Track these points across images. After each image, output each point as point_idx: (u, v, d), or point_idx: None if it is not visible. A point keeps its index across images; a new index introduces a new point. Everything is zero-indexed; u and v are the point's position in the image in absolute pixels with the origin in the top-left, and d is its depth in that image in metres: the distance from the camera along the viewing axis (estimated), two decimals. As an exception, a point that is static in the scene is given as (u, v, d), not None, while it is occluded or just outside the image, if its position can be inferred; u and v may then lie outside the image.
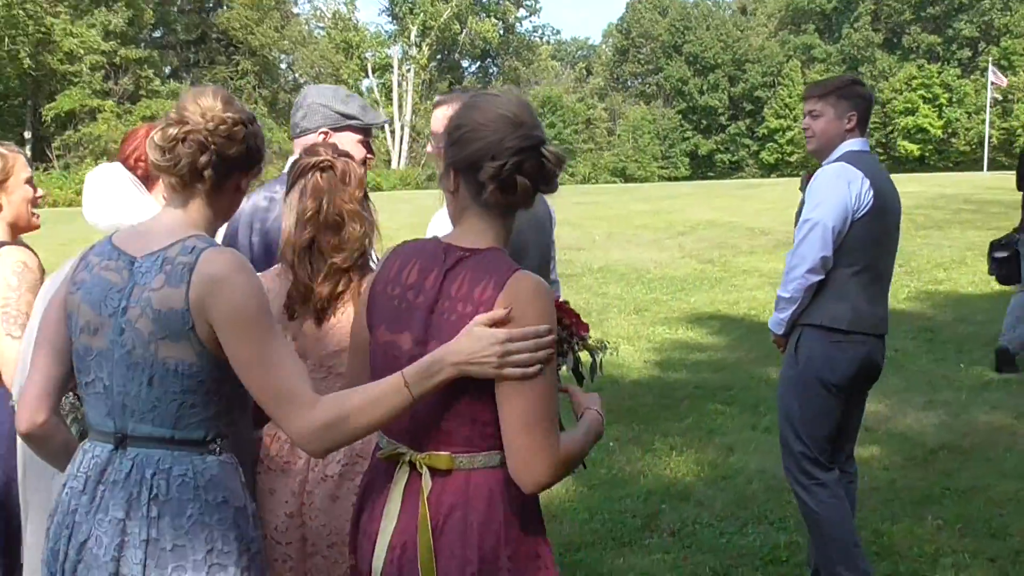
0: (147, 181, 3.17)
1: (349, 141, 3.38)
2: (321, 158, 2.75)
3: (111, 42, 49.61)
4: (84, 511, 2.15)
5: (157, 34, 59.46)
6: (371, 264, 2.76)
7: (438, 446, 2.12)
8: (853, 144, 4.05)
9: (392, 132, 62.62)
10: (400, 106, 63.12)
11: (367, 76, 65.80)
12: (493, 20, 66.55)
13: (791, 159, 59.42)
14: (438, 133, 3.35)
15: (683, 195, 28.10)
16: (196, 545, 2.12)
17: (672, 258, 15.87)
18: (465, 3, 64.58)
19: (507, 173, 2.07)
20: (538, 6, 72.37)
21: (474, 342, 2.01)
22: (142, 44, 53.59)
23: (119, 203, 2.98)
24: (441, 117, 3.41)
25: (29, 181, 3.43)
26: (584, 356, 2.50)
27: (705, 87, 64.79)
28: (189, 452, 2.16)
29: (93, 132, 45.72)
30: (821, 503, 4.06)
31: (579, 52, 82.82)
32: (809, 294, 3.99)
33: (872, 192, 3.92)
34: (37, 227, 3.49)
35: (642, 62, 69.62)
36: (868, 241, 3.96)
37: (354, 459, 2.69)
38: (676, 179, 57.63)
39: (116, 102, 49.58)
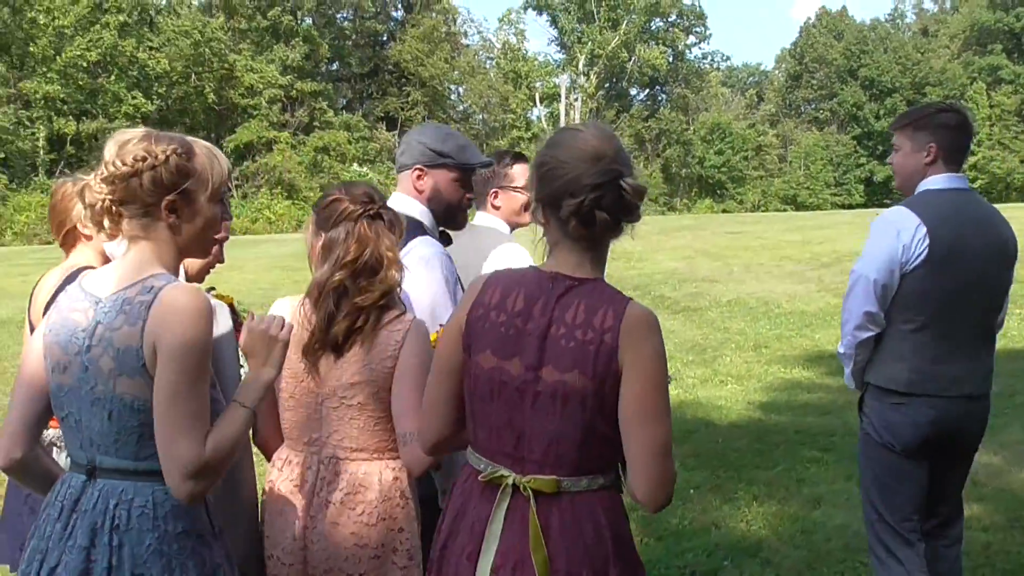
0: None
1: (444, 179, 3.42)
2: (373, 206, 2.80)
3: (288, 76, 51.80)
4: (56, 538, 2.25)
5: (332, 68, 61.72)
6: (399, 303, 2.82)
7: (543, 470, 2.21)
8: (935, 181, 3.64)
9: (558, 160, 62.87)
10: (567, 135, 63.32)
11: (535, 105, 66.34)
12: (662, 48, 66.02)
13: (974, 186, 56.52)
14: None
15: (839, 224, 27.07)
16: (155, 573, 2.20)
17: (807, 291, 15.25)
18: (634, 31, 64.39)
19: (586, 209, 2.18)
20: (708, 33, 71.23)
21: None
22: (317, 78, 55.60)
23: None
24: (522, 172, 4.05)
25: None
26: None
27: (882, 112, 62.44)
28: (151, 483, 2.24)
29: (269, 162, 47.71)
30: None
31: (750, 78, 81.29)
32: (865, 350, 3.69)
33: (928, 241, 3.50)
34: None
35: (815, 87, 67.83)
36: (928, 296, 3.56)
37: (355, 488, 2.74)
38: (850, 206, 55.79)
39: (291, 133, 51.64)
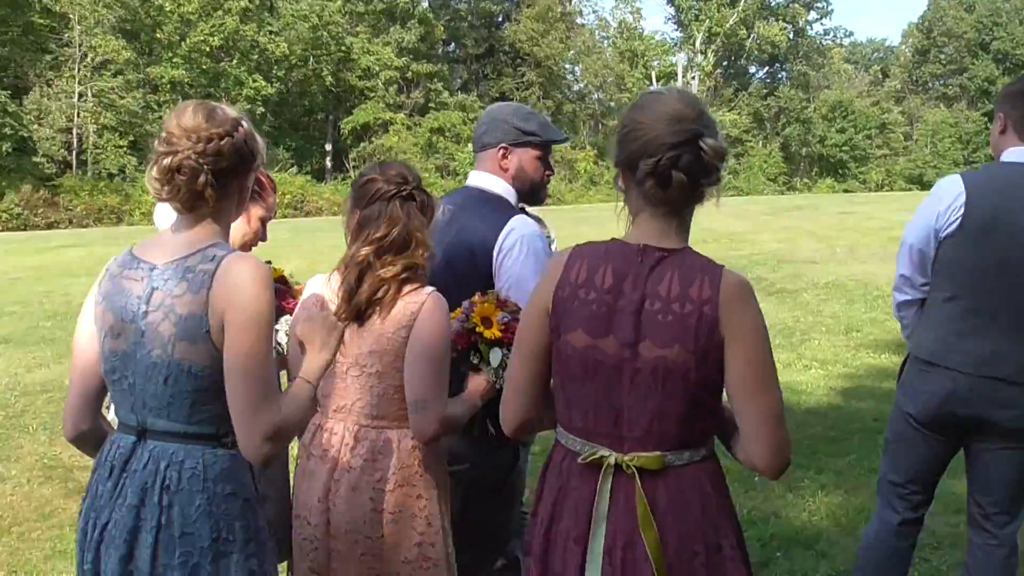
0: None
1: (528, 157, 3.46)
2: (407, 187, 2.87)
3: (404, 58, 52.36)
4: (108, 497, 2.33)
5: (448, 49, 62.15)
6: (422, 278, 2.89)
7: (646, 447, 2.19)
8: (1009, 154, 3.51)
9: (674, 140, 62.14)
10: (683, 114, 62.47)
11: (651, 84, 65.59)
12: (782, 24, 64.38)
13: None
14: None
15: (961, 204, 25.90)
16: (203, 533, 2.27)
17: None
18: (753, 8, 62.97)
19: (663, 168, 2.14)
20: (830, 8, 68.83)
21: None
22: (433, 59, 56.04)
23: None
24: None
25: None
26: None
27: (1016, 87, 59.67)
28: (202, 446, 2.33)
29: (384, 144, 48.32)
30: (868, 534, 3.84)
31: (874, 54, 78.70)
32: (910, 314, 3.69)
33: (964, 209, 3.38)
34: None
35: (944, 62, 65.30)
36: (959, 265, 3.45)
37: (375, 455, 2.83)
38: (979, 187, 53.48)
39: (407, 115, 52.21)
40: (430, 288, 2.87)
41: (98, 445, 2.51)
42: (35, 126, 41.18)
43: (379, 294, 2.81)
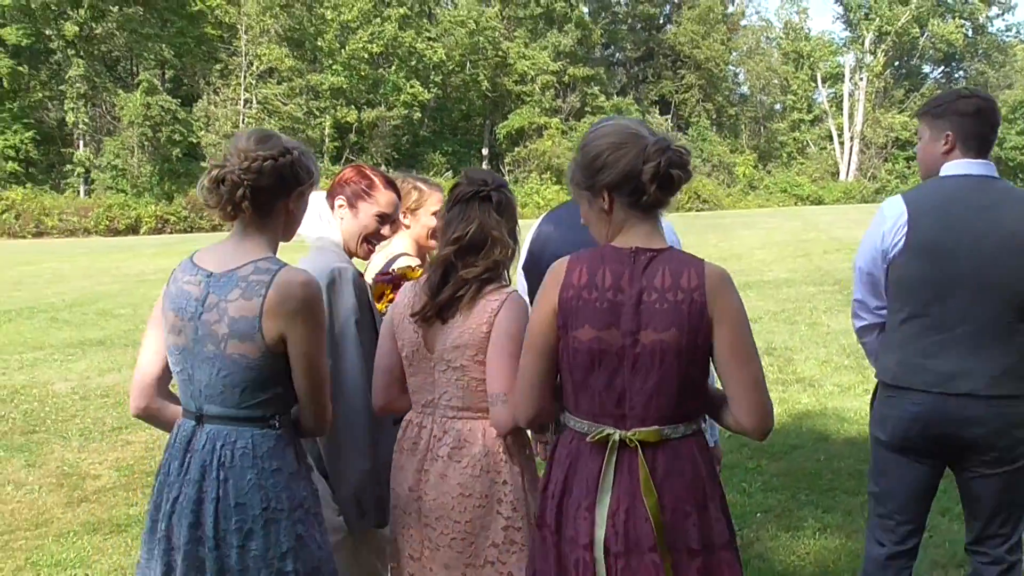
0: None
1: None
2: (486, 188, 3.05)
3: (560, 62, 52.44)
4: (176, 474, 2.68)
5: (607, 52, 61.89)
6: (504, 279, 3.09)
7: (646, 423, 2.49)
8: (947, 168, 3.47)
9: (841, 144, 60.10)
10: (851, 116, 60.36)
11: (817, 86, 63.69)
12: (958, 21, 61.40)
13: None
14: None
15: None
16: (254, 503, 2.63)
17: None
18: (927, 5, 60.23)
19: (663, 170, 2.46)
20: (1013, 3, 65.16)
21: None
22: (590, 63, 55.90)
23: (316, 221, 3.52)
24: None
25: (436, 214, 3.92)
26: None
27: None
28: (251, 427, 2.67)
29: (538, 148, 48.52)
30: (864, 570, 3.70)
31: (1064, 51, 74.04)
32: (871, 339, 3.65)
33: (907, 228, 3.39)
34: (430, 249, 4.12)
35: None
36: (910, 285, 3.42)
37: (461, 443, 3.00)
38: None
39: (562, 119, 52.23)
40: (511, 288, 3.07)
41: (161, 423, 2.89)
42: (202, 132, 43.13)
43: (460, 292, 2.99)
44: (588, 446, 2.56)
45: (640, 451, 2.48)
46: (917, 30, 60.72)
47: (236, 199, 2.63)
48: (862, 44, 61.51)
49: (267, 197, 2.67)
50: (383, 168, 3.74)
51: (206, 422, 2.68)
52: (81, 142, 43.04)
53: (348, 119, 46.67)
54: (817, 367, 9.64)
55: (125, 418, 8.10)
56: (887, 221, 3.45)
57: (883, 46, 60.68)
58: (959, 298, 3.32)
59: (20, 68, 40.78)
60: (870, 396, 3.72)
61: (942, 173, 3.47)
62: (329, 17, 46.05)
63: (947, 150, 3.47)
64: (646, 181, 2.47)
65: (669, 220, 3.15)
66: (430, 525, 3.02)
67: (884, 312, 3.54)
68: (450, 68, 50.28)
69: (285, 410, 2.73)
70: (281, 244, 2.85)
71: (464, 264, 3.00)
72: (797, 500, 5.83)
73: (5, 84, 40.56)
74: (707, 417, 2.83)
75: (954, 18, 61.23)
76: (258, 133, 2.71)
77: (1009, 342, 3.32)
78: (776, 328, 11.73)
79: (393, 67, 47.91)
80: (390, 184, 3.56)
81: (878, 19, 60.26)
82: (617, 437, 2.50)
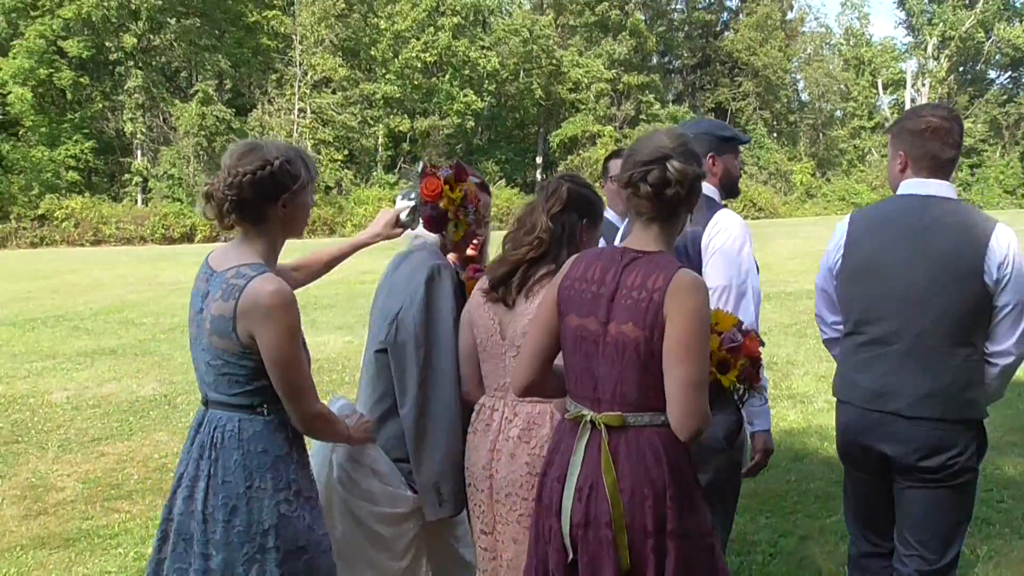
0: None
1: (731, 160, 3.98)
2: (546, 183, 3.41)
3: (614, 70, 52.19)
4: (186, 451, 3.01)
5: (663, 60, 61.46)
6: (555, 261, 3.29)
7: (612, 407, 2.67)
8: (902, 187, 3.53)
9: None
10: (912, 123, 59.16)
11: (878, 92, 62.67)
12: (1027, 24, 59.98)
13: None
14: (613, 175, 4.71)
15: None
16: (238, 481, 2.86)
17: None
18: (993, 8, 58.91)
19: (636, 179, 2.68)
20: (1082, 5, 63.47)
21: None
22: (645, 71, 55.54)
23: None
24: (617, 165, 4.61)
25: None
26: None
27: None
28: (239, 413, 2.92)
29: (591, 156, 48.22)
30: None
31: None
32: (835, 352, 3.76)
33: (844, 248, 3.57)
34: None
35: None
36: (848, 302, 3.59)
37: (530, 425, 3.24)
38: None
39: (616, 127, 51.94)
40: None
41: None
42: (257, 142, 43.49)
43: (513, 277, 3.28)
44: (569, 425, 2.80)
45: (604, 433, 2.67)
46: (982, 34, 59.39)
47: (224, 212, 2.90)
48: (925, 50, 60.36)
49: (253, 207, 2.91)
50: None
51: (210, 407, 2.98)
52: (139, 152, 43.72)
53: (402, 128, 46.82)
54: (813, 383, 9.46)
55: (109, 428, 8.11)
56: (833, 239, 3.62)
57: (947, 51, 59.50)
58: (889, 318, 3.39)
59: (82, 80, 41.60)
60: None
61: (900, 191, 3.52)
62: (383, 27, 46.30)
63: (901, 168, 3.51)
64: (621, 186, 2.75)
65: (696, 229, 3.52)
66: (500, 501, 3.26)
67: (839, 327, 3.66)
68: (504, 77, 50.24)
69: (274, 399, 2.92)
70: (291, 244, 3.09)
71: (514, 245, 3.32)
72: (755, 523, 5.63)
73: (68, 96, 41.41)
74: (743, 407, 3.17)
75: (1021, 22, 59.73)
76: (242, 148, 2.93)
77: (940, 364, 3.32)
78: (783, 342, 11.56)
79: (447, 76, 48.01)
80: (483, 187, 3.75)
81: (941, 24, 59.08)
82: (589, 418, 2.71)
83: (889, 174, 3.63)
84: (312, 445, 3.30)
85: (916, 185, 3.45)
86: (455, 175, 3.55)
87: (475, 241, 3.72)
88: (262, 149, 2.92)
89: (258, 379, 2.88)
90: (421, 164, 3.61)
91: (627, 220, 4.20)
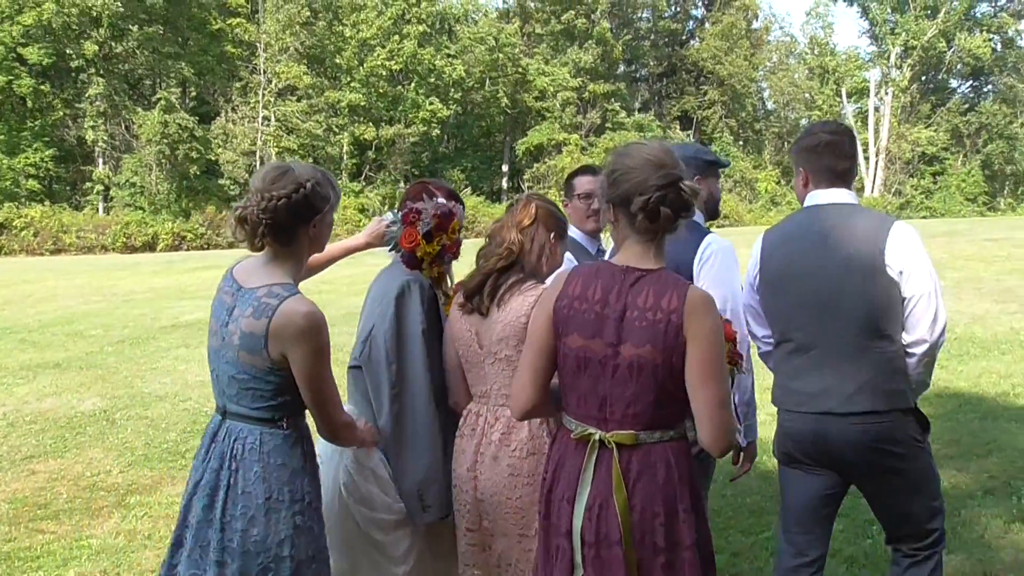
0: None
1: (714, 182, 4.22)
2: (516, 199, 3.62)
3: (580, 78, 52.25)
4: (201, 459, 3.08)
5: (629, 68, 61.61)
6: (532, 276, 3.44)
7: (623, 427, 2.70)
8: (810, 198, 3.69)
9: (866, 159, 59.45)
10: (876, 131, 59.69)
11: (842, 101, 63.11)
12: (986, 35, 60.52)
13: None
14: (581, 193, 4.75)
15: None
16: (258, 492, 2.95)
17: (1000, 313, 12.92)
18: (954, 19, 59.46)
19: (652, 205, 2.67)
20: (1042, 16, 64.16)
21: None
22: (611, 79, 55.64)
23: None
24: (585, 182, 4.78)
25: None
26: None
27: None
28: (260, 426, 3.01)
29: (557, 164, 48.25)
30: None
31: (1095, 64, 72.81)
32: (770, 364, 3.85)
33: (760, 260, 3.73)
34: None
35: None
36: (772, 312, 3.74)
37: (510, 428, 3.37)
38: None
39: (582, 135, 52.02)
40: (543, 286, 3.29)
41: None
42: (220, 150, 43.31)
43: (484, 287, 3.41)
44: (573, 443, 2.80)
45: (615, 451, 2.69)
46: (944, 44, 59.90)
47: (258, 235, 2.99)
48: (888, 59, 60.84)
49: (286, 229, 3.00)
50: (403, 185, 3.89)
51: (228, 418, 3.05)
52: (101, 160, 43.36)
53: (367, 136, 46.71)
54: (767, 394, 9.29)
55: (43, 446, 7.94)
56: (752, 256, 3.76)
57: (909, 61, 59.91)
58: (810, 323, 3.54)
59: (42, 87, 41.20)
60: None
61: (806, 203, 3.69)
62: (348, 35, 46.18)
63: (804, 184, 3.70)
64: (635, 210, 2.68)
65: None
66: (485, 500, 3.40)
67: (770, 340, 3.79)
68: (470, 85, 50.21)
69: (293, 414, 3.04)
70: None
71: (485, 259, 3.46)
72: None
73: (29, 103, 41.01)
74: (741, 418, 3.52)
75: (982, 32, 60.35)
76: (274, 171, 3.01)
77: (861, 360, 3.46)
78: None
79: (412, 84, 47.91)
80: (454, 196, 3.84)
81: (904, 34, 59.48)
82: (598, 437, 2.73)
83: (796, 191, 3.80)
84: (323, 455, 3.50)
85: (818, 196, 3.64)
86: (437, 225, 3.63)
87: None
88: (293, 172, 3.00)
89: (282, 395, 2.99)
90: (406, 208, 3.69)
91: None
